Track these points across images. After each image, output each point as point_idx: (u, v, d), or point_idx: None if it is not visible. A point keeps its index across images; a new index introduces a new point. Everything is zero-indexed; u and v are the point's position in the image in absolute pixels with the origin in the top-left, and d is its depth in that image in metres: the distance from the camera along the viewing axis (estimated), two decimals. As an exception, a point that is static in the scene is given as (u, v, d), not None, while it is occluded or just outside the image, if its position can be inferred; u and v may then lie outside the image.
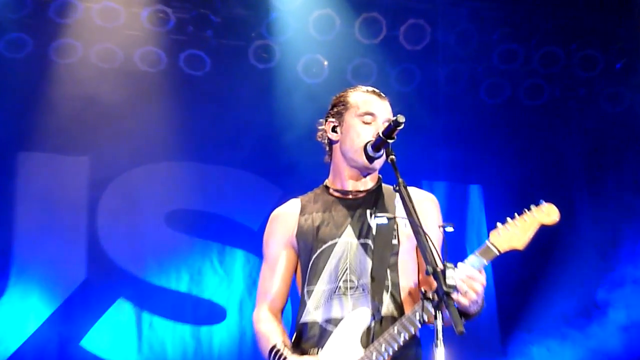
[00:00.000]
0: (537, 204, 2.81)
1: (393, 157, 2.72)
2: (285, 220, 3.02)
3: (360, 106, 2.96)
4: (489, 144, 6.90)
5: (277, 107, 6.51)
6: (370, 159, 2.89)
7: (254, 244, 6.35)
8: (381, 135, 2.78)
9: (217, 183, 6.58)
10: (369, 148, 2.87)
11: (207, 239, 6.53)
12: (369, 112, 2.95)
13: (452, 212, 6.78)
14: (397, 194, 2.71)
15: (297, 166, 6.31)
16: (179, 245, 6.44)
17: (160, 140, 6.40)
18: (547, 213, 2.78)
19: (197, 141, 6.54)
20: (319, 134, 3.08)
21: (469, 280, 2.62)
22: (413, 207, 2.59)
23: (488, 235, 2.75)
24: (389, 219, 2.84)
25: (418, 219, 2.57)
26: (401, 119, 2.69)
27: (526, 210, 2.80)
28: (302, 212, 3.00)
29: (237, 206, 6.57)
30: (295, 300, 3.00)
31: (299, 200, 3.06)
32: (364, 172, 2.97)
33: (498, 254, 2.72)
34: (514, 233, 2.74)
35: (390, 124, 2.74)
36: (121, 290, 6.30)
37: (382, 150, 2.83)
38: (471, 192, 7.02)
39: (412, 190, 2.77)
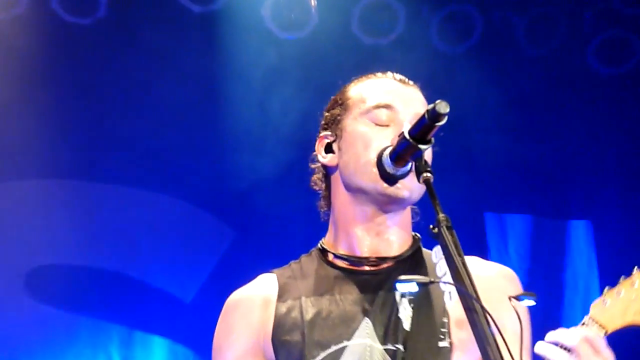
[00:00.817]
0: None
1: (428, 174, 2.67)
2: (251, 312, 3.04)
3: (368, 98, 3.03)
4: (603, 148, 6.95)
5: (227, 83, 6.60)
6: (389, 179, 2.90)
7: (184, 328, 6.34)
8: (407, 136, 2.73)
9: (124, 218, 6.59)
10: (385, 159, 2.87)
11: (102, 319, 6.55)
12: (382, 104, 3.00)
13: (542, 263, 6.89)
14: (438, 254, 2.64)
15: (265, 191, 6.36)
16: (52, 329, 6.47)
17: (19, 142, 6.47)
18: None
19: (88, 144, 6.62)
20: (315, 177, 3.14)
21: (587, 349, 2.66)
22: (463, 263, 2.53)
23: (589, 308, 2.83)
24: (420, 284, 2.80)
25: (473, 285, 2.51)
26: (443, 107, 2.61)
27: None
28: (282, 296, 3.04)
29: (158, 260, 6.59)
30: None
31: (275, 277, 3.09)
32: (385, 210, 2.97)
33: (603, 335, 2.78)
34: (631, 299, 2.81)
35: (423, 117, 2.67)
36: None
37: (410, 164, 2.82)
38: (574, 231, 7.11)
39: (474, 263, 2.75)
